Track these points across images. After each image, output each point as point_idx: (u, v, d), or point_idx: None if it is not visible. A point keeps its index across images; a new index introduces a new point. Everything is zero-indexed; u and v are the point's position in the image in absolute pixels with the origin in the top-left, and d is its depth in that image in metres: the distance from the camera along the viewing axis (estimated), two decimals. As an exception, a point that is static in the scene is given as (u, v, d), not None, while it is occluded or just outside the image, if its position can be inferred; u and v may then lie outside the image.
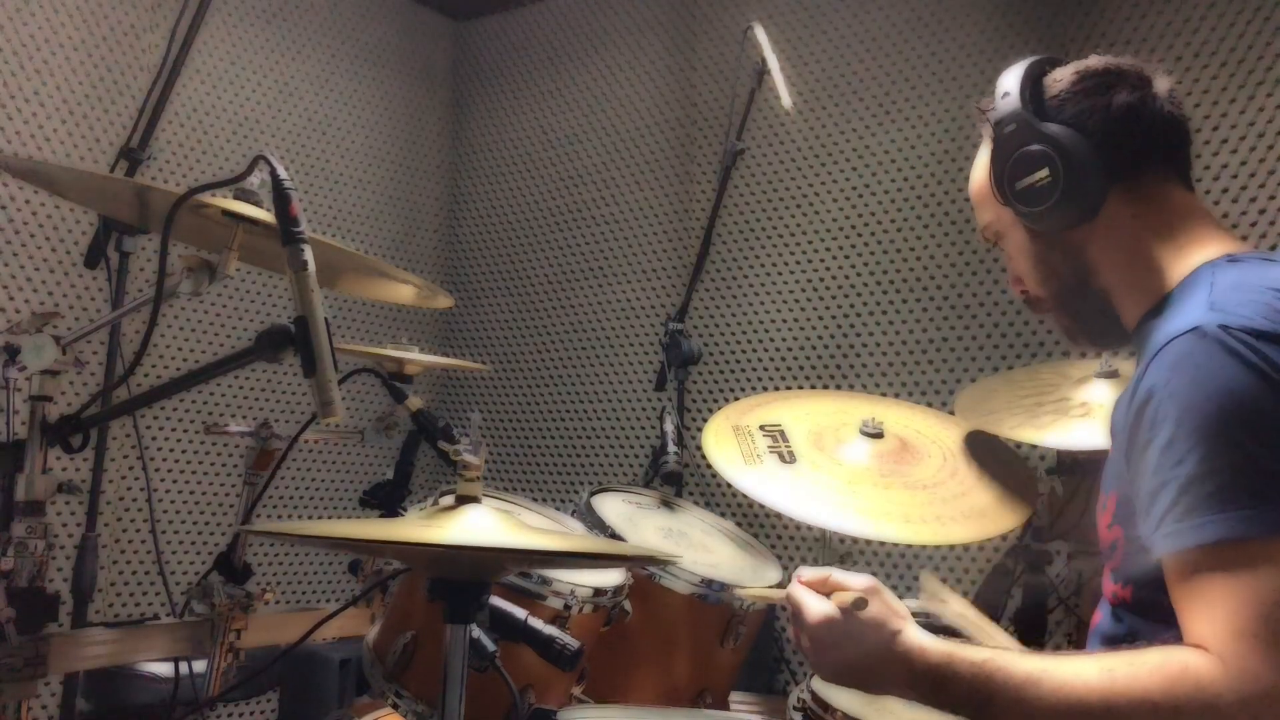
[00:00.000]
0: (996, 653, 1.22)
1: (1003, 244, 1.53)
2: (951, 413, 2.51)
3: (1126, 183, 1.38)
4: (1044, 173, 1.37)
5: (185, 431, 3.47)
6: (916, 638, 1.26)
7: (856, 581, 1.31)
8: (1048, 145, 1.38)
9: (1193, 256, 1.36)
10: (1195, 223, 1.40)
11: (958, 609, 1.54)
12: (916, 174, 3.33)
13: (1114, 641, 1.31)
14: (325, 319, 1.37)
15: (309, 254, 1.39)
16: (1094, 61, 1.44)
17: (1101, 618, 1.39)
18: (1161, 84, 1.41)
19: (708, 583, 2.15)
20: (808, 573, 1.35)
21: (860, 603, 1.27)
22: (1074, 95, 1.41)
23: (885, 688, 1.28)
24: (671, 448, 2.67)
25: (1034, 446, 2.67)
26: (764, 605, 2.25)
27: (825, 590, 1.32)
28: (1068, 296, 1.48)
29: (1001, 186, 1.43)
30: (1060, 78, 1.44)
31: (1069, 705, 1.14)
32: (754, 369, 3.61)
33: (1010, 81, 1.46)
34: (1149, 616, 1.26)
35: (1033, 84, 1.44)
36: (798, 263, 3.54)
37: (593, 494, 2.40)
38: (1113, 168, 1.37)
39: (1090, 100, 1.39)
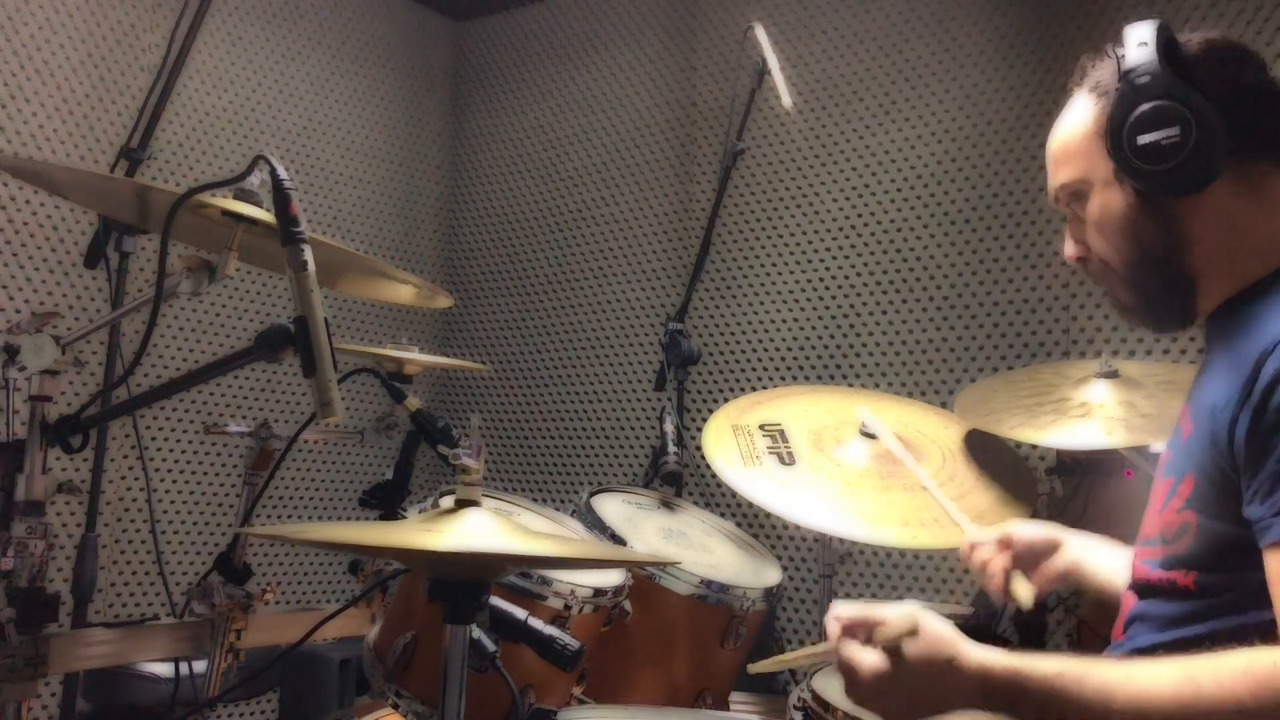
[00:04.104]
0: (1068, 665, 1.19)
1: (1079, 205, 1.44)
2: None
3: (1239, 161, 1.33)
4: (1174, 131, 1.30)
5: (185, 431, 3.47)
6: (976, 658, 1.22)
7: (894, 614, 1.26)
8: (1184, 104, 1.31)
9: None
10: None
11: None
12: (916, 174, 3.33)
13: (1169, 621, 1.29)
14: (325, 319, 1.37)
15: (309, 254, 1.39)
16: (1217, 35, 1.40)
17: (1140, 603, 1.36)
18: (1272, 71, 1.38)
19: (708, 583, 2.15)
20: (845, 613, 1.30)
21: (912, 632, 1.22)
22: (1205, 62, 1.36)
23: (961, 710, 1.24)
24: (671, 448, 2.67)
25: (1034, 446, 2.67)
26: (764, 607, 2.25)
27: (866, 630, 1.28)
28: (1145, 269, 1.39)
29: (1118, 136, 1.35)
30: (1188, 41, 1.39)
31: (1145, 716, 1.12)
32: (754, 369, 3.61)
33: (1146, 33, 1.38)
34: (1213, 599, 1.25)
35: (1167, 41, 1.37)
36: (798, 263, 3.55)
37: (592, 494, 2.40)
38: (1233, 144, 1.32)
39: (1221, 71, 1.35)
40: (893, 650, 1.23)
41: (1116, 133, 1.35)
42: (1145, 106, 1.33)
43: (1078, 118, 1.44)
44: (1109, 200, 1.40)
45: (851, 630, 1.29)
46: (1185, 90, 1.32)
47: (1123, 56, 1.38)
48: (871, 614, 1.28)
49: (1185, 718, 1.10)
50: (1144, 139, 1.33)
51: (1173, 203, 1.35)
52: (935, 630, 1.24)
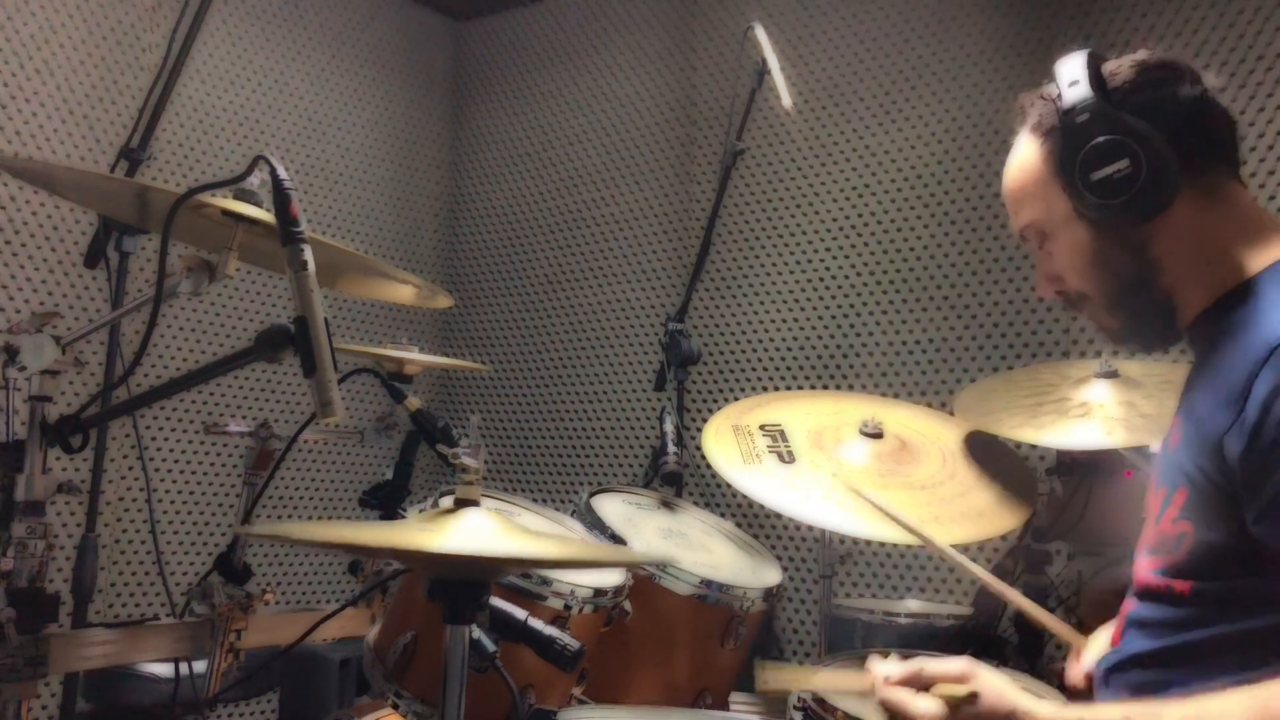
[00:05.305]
0: (1133, 709, 1.18)
1: (1046, 243, 1.46)
2: (951, 413, 2.52)
3: (1194, 176, 1.35)
4: (1124, 163, 1.32)
5: (185, 431, 3.47)
6: (1041, 714, 1.20)
7: (951, 669, 1.25)
8: (1128, 135, 1.33)
9: (1270, 250, 1.34)
10: (1261, 217, 1.38)
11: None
12: (916, 174, 3.33)
13: (1165, 626, 1.30)
14: (325, 319, 1.37)
15: (309, 254, 1.39)
16: (1146, 55, 1.41)
17: (1138, 607, 1.37)
18: (1210, 80, 1.39)
19: (708, 583, 2.15)
20: (896, 672, 1.28)
21: (971, 698, 1.21)
22: (1140, 86, 1.37)
23: None
24: (671, 448, 2.67)
25: (1034, 446, 2.67)
26: (764, 607, 2.24)
27: (922, 685, 1.26)
28: (1124, 296, 1.41)
29: (1072, 177, 1.37)
30: (1119, 69, 1.39)
31: None
32: (754, 369, 3.61)
33: (1076, 70, 1.39)
34: (1210, 606, 1.25)
35: (1098, 73, 1.39)
36: (798, 263, 3.55)
37: (592, 494, 2.40)
38: (1184, 161, 1.33)
39: (1157, 92, 1.36)
40: (958, 702, 1.22)
41: (1069, 173, 1.37)
42: (1091, 144, 1.35)
43: (1026, 159, 1.45)
44: (1074, 236, 1.41)
45: (907, 683, 1.27)
46: (1126, 120, 1.34)
47: (1058, 96, 1.39)
48: (927, 669, 1.26)
49: None
50: (1096, 176, 1.35)
51: (1137, 229, 1.36)
52: (996, 686, 1.23)
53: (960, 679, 1.24)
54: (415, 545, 1.30)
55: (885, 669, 1.30)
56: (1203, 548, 1.25)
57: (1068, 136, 1.37)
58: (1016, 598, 1.71)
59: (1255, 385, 1.19)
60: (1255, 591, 1.20)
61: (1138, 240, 1.37)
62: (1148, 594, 1.35)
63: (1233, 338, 1.28)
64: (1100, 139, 1.34)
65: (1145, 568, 1.37)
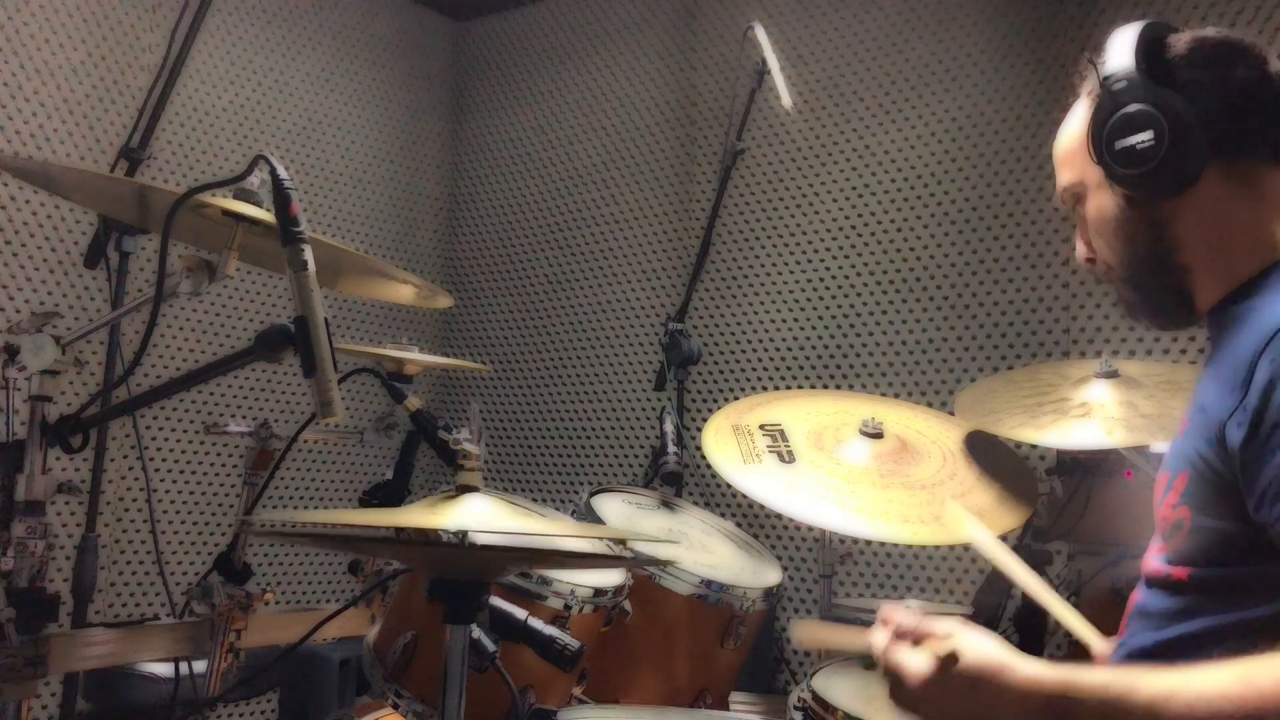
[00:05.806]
0: (1119, 674, 1.18)
1: (1081, 207, 1.47)
2: (951, 413, 2.52)
3: (1228, 160, 1.34)
4: (1148, 135, 1.33)
5: (185, 431, 3.47)
6: (1025, 673, 1.20)
7: (940, 627, 1.25)
8: (1157, 108, 1.33)
9: None
10: None
11: (981, 540, 1.52)
12: (916, 174, 3.33)
13: (1166, 617, 1.30)
14: (325, 319, 1.37)
15: (309, 254, 1.39)
16: (1211, 32, 1.41)
17: (1143, 596, 1.37)
18: (1276, 64, 1.38)
19: (708, 583, 2.15)
20: (896, 618, 1.29)
21: (951, 659, 1.22)
22: (1190, 63, 1.36)
23: None
24: (671, 448, 2.67)
25: (1034, 446, 2.67)
26: (764, 607, 2.25)
27: (917, 639, 1.27)
28: (1140, 269, 1.42)
29: (1099, 142, 1.38)
30: (1177, 43, 1.39)
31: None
32: (754, 369, 3.61)
33: (1127, 38, 1.39)
34: (1208, 594, 1.25)
35: (1149, 44, 1.39)
36: (798, 263, 3.55)
37: (593, 494, 2.40)
38: (1217, 143, 1.33)
39: (1206, 71, 1.36)
40: (942, 659, 1.22)
41: (1097, 139, 1.38)
42: (1119, 113, 1.36)
43: (1075, 122, 1.47)
44: (1102, 203, 1.43)
45: (900, 635, 1.28)
46: (1158, 94, 1.34)
47: (1103, 62, 1.40)
48: (923, 624, 1.27)
49: (1247, 717, 1.08)
50: (1120, 144, 1.35)
51: (1159, 203, 1.37)
52: (983, 644, 1.23)
53: (945, 638, 1.24)
54: (418, 524, 1.30)
55: (888, 612, 1.30)
56: (1200, 533, 1.25)
57: (1101, 102, 1.39)
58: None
59: (1256, 371, 1.19)
60: (1253, 581, 1.20)
61: (1160, 216, 1.37)
62: (1151, 580, 1.35)
63: (1242, 325, 1.28)
64: (1129, 108, 1.35)
65: (1151, 553, 1.37)
